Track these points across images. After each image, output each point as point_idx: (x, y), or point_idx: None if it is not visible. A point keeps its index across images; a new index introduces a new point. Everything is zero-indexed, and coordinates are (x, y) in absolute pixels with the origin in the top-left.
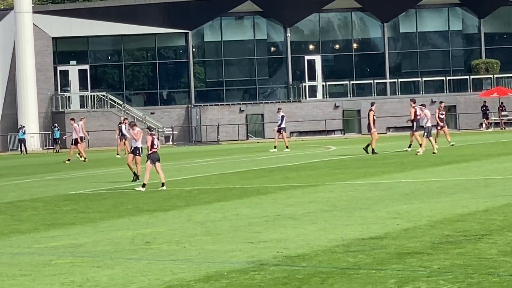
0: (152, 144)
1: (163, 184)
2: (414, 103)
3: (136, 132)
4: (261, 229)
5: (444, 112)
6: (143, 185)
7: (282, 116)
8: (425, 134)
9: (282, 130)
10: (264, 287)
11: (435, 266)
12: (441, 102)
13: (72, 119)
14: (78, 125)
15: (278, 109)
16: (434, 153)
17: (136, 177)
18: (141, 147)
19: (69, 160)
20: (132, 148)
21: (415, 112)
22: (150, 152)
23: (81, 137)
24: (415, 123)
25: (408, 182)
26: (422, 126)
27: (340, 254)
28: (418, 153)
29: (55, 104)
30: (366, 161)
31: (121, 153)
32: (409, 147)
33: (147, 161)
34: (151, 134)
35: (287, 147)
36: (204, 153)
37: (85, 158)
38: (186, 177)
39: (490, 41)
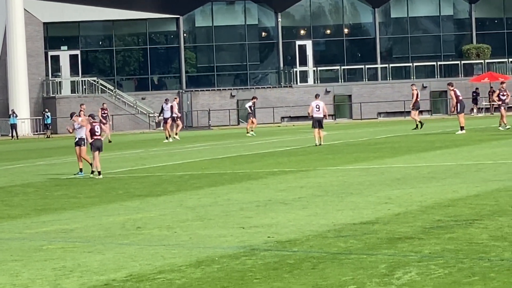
0: (93, 131)
1: (99, 173)
2: (452, 86)
3: (80, 121)
4: (252, 214)
5: (506, 94)
6: (99, 173)
7: (171, 106)
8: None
9: (167, 120)
10: (255, 272)
11: (426, 251)
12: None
13: None
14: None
15: (166, 99)
16: (316, 145)
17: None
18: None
19: None
20: (77, 139)
21: (455, 93)
22: (91, 140)
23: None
24: (459, 104)
25: (399, 167)
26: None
27: (331, 239)
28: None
29: (46, 89)
30: (357, 146)
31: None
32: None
33: (91, 149)
34: (91, 122)
35: (166, 137)
36: (195, 138)
37: None
38: (177, 162)
39: (481, 26)
